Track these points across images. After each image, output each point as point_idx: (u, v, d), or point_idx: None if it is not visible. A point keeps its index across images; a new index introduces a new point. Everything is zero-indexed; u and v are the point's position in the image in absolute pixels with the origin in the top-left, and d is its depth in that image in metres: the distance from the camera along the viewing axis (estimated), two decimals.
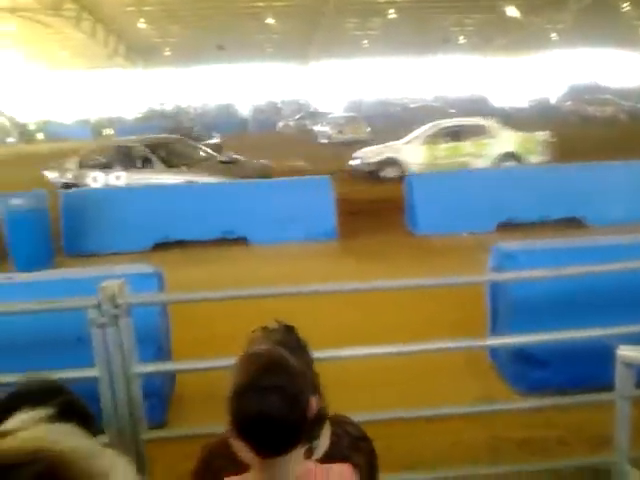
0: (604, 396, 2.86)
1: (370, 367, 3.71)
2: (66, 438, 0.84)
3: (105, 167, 11.39)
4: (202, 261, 8.03)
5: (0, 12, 31.25)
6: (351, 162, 15.11)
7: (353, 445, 1.52)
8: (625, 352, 2.65)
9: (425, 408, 3.24)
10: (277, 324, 1.48)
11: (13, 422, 0.96)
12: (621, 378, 2.68)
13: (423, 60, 53.71)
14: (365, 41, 50.07)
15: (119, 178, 11.20)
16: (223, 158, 12.28)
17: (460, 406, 3.40)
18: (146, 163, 11.32)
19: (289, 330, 1.46)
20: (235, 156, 12.79)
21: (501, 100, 38.20)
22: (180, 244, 8.83)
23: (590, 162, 10.14)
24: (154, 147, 11.73)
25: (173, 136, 14.89)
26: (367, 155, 14.77)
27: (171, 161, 11.38)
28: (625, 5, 33.59)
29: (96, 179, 11.34)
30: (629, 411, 2.71)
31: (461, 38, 49.90)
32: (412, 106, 34.21)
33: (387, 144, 14.95)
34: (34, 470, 0.66)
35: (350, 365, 3.37)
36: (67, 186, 10.94)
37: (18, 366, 2.63)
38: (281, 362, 1.29)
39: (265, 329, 1.44)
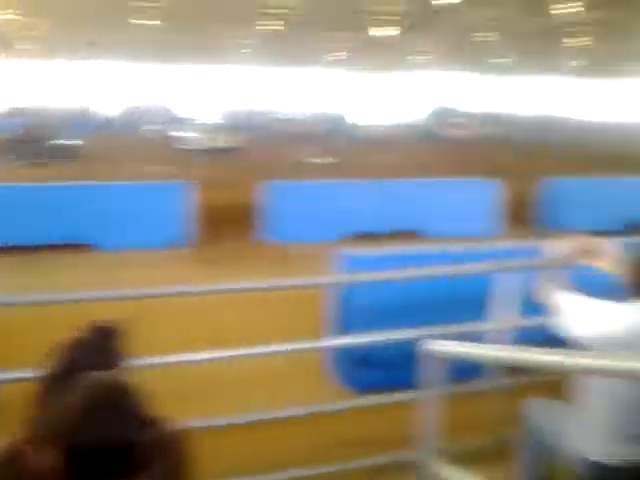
0: (416, 394, 2.92)
1: (201, 375, 3.64)
2: None
3: None
4: (37, 268, 7.49)
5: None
6: None
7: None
8: (429, 346, 2.77)
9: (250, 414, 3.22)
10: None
11: None
12: (426, 371, 2.79)
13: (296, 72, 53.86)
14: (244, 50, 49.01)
15: None
16: None
17: (280, 410, 3.40)
18: None
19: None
20: None
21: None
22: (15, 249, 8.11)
23: None
24: None
25: None
26: None
27: None
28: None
29: None
30: (437, 405, 2.79)
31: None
32: (282, 118, 35.30)
33: None
34: None
35: (178, 372, 3.28)
36: None
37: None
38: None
39: (78, 339, 1.39)
